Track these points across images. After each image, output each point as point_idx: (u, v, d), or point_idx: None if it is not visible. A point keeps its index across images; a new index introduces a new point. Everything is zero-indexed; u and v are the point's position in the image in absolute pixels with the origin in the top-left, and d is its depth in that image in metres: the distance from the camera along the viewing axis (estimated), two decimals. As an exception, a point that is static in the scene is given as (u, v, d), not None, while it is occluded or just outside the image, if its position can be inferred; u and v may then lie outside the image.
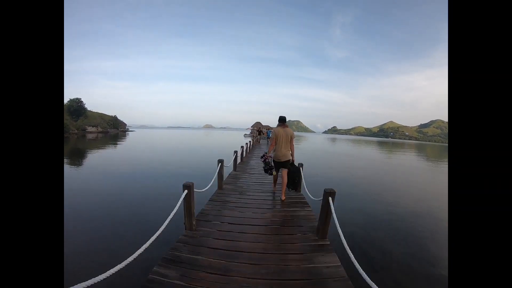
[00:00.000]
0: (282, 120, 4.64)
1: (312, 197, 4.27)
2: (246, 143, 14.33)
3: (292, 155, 4.64)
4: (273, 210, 4.24)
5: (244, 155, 11.63)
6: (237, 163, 8.49)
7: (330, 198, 2.84)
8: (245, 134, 63.38)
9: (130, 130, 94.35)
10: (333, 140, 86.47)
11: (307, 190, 4.69)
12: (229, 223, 3.55)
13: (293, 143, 4.64)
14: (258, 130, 34.54)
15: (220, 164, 5.05)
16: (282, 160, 4.57)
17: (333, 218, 2.66)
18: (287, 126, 4.61)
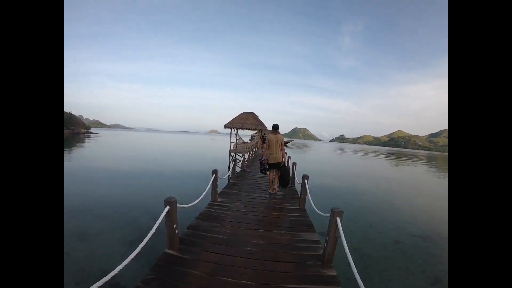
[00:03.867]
0: (274, 128, 5.63)
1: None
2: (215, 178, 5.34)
3: (283, 157, 5.69)
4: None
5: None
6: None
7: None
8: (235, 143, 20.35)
9: (92, 132, 73.02)
10: (353, 152, 60.15)
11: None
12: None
13: (284, 148, 5.68)
14: (262, 137, 22.55)
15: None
16: (275, 162, 5.57)
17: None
18: (278, 133, 5.60)
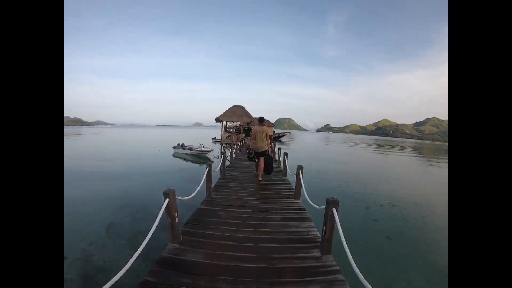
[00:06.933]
0: (260, 120, 6.28)
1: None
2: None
3: (268, 146, 6.24)
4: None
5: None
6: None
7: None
8: (214, 139, 30.76)
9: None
10: (354, 145, 50.17)
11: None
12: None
13: (268, 138, 6.27)
14: (244, 127, 20.78)
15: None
16: (260, 150, 6.16)
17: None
18: (264, 125, 6.24)
